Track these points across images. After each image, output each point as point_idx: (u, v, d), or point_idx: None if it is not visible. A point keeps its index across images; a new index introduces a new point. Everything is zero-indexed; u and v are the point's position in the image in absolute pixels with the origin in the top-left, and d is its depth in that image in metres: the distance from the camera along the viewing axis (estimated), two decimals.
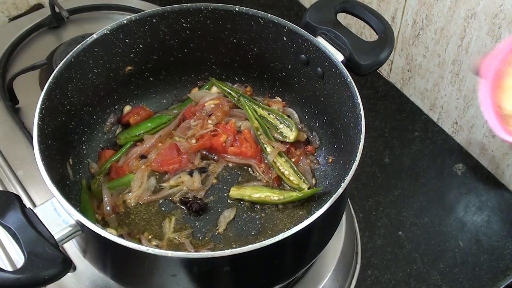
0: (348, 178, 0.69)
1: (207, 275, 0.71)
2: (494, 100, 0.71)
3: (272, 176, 0.89)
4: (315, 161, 0.92)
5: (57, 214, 0.67)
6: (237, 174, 0.91)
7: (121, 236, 0.80)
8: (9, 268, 0.85)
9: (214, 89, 0.97)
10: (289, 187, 0.89)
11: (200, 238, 0.83)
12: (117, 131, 0.94)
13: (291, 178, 0.88)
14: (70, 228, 0.66)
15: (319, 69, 0.85)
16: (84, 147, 0.88)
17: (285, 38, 0.86)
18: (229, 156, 0.91)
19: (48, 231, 0.65)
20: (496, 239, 1.01)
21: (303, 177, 0.89)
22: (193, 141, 0.91)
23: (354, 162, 0.70)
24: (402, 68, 1.19)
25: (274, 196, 0.86)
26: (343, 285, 0.91)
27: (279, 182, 0.89)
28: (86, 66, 0.83)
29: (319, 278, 0.89)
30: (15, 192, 0.90)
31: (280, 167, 0.89)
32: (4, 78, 1.08)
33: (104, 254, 0.74)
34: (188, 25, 0.89)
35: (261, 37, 0.89)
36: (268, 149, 0.90)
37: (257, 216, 0.86)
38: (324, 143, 0.93)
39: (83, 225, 0.64)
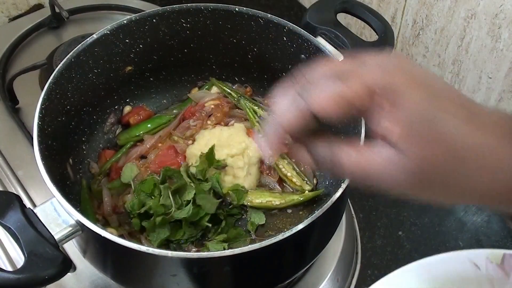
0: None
1: (207, 275, 0.71)
2: None
3: (275, 179, 0.89)
4: None
5: (57, 214, 0.67)
6: None
7: (121, 236, 0.80)
8: (9, 268, 0.85)
9: (214, 89, 0.97)
10: (291, 189, 0.89)
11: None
12: (117, 131, 0.94)
13: (294, 180, 0.88)
14: (70, 228, 0.66)
15: None
16: (84, 147, 0.88)
17: (285, 38, 0.86)
18: None
19: (48, 231, 0.65)
20: (496, 239, 1.01)
21: (306, 179, 0.89)
22: (190, 141, 0.91)
23: None
24: None
25: (275, 200, 0.86)
26: (343, 285, 0.91)
27: (281, 184, 0.89)
28: (86, 66, 0.83)
29: (319, 278, 0.89)
30: (15, 192, 0.90)
31: (283, 169, 0.89)
32: (4, 78, 1.08)
33: (104, 254, 0.74)
34: (188, 25, 0.89)
35: (261, 37, 0.89)
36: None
37: None
38: None
39: (83, 225, 0.64)
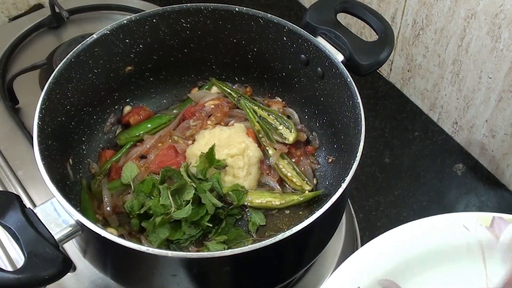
0: (348, 178, 0.69)
1: (207, 275, 0.71)
2: None
3: (275, 179, 0.89)
4: (315, 161, 0.92)
5: (57, 214, 0.67)
6: None
7: (121, 236, 0.80)
8: (9, 268, 0.85)
9: (214, 89, 0.98)
10: (290, 189, 0.89)
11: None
12: (117, 131, 0.94)
13: (294, 180, 0.88)
14: (70, 228, 0.66)
15: (319, 69, 0.85)
16: (84, 147, 0.88)
17: (285, 38, 0.86)
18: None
19: (48, 231, 0.65)
20: None
21: (306, 179, 0.89)
22: (190, 141, 0.91)
23: (354, 162, 0.70)
24: (402, 68, 1.19)
25: (275, 201, 0.86)
26: None
27: (281, 184, 0.89)
28: (86, 66, 0.83)
29: (319, 278, 0.89)
30: (15, 192, 0.90)
31: (283, 169, 0.89)
32: (4, 78, 1.08)
33: (104, 254, 0.74)
34: (188, 25, 0.89)
35: (261, 37, 0.89)
36: (270, 152, 0.90)
37: None
38: (324, 143, 0.93)
39: (83, 225, 0.64)
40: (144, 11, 0.91)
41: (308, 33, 0.83)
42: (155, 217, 0.78)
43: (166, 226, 0.79)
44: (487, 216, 0.70)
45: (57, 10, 1.16)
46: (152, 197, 0.80)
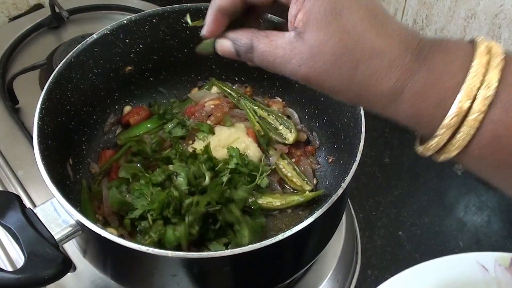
0: (348, 179, 0.69)
1: (207, 275, 0.71)
2: None
3: (275, 179, 0.89)
4: (315, 161, 0.92)
5: (57, 214, 0.67)
6: None
7: (121, 236, 0.80)
8: (9, 268, 0.85)
9: (214, 89, 0.98)
10: (290, 189, 0.89)
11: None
12: (117, 131, 0.94)
13: (294, 180, 0.88)
14: (70, 228, 0.66)
15: None
16: (84, 147, 0.88)
17: None
18: None
19: (48, 231, 0.65)
20: (496, 239, 1.01)
21: (306, 179, 0.89)
22: (190, 141, 0.91)
23: (354, 162, 0.70)
24: None
25: (276, 201, 0.86)
26: (343, 285, 0.91)
27: (280, 184, 0.89)
28: (86, 66, 0.83)
29: (319, 278, 0.89)
30: (15, 192, 0.90)
31: (283, 169, 0.89)
32: (4, 78, 1.08)
33: (104, 254, 0.74)
34: (188, 25, 0.89)
35: None
36: (270, 152, 0.90)
37: None
38: (324, 143, 0.93)
39: (83, 225, 0.64)
40: (144, 11, 0.91)
41: None
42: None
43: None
44: (506, 256, 0.70)
45: (57, 10, 1.16)
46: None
